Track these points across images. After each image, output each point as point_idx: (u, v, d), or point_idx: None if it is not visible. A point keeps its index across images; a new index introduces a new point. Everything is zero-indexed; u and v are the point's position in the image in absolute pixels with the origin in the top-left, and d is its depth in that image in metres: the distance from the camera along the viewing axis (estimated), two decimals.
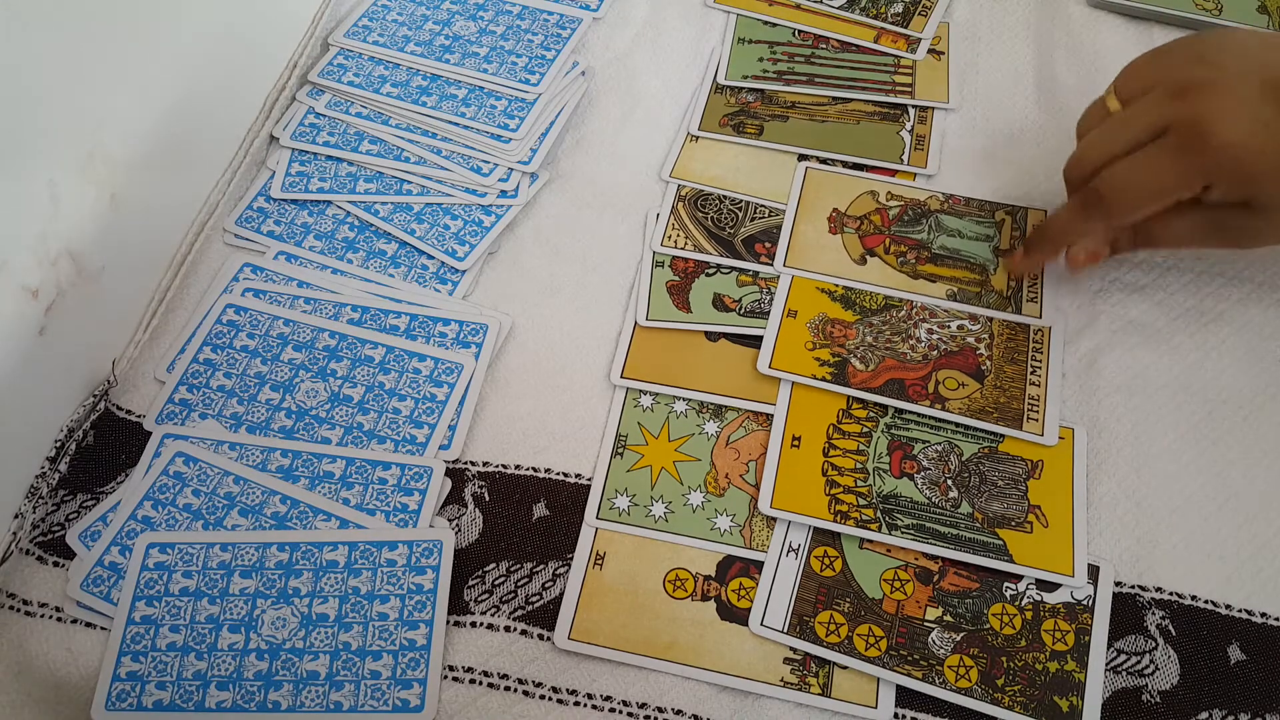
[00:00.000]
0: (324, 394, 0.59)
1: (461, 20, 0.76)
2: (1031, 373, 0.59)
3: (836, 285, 0.63)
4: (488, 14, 0.77)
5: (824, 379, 0.58)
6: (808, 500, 0.55)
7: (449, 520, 0.55)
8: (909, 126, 0.71)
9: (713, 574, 0.53)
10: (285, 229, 0.67)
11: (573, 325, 0.62)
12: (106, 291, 0.58)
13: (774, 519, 0.54)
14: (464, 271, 0.65)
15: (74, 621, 0.52)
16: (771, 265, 0.64)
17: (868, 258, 0.64)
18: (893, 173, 0.69)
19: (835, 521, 0.54)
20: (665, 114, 0.73)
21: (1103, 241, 0.59)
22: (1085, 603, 0.51)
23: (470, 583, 0.53)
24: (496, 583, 0.53)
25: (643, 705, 0.50)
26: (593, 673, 0.51)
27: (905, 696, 0.50)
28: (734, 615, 0.52)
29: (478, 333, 0.62)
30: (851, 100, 0.73)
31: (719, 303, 0.63)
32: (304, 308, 0.63)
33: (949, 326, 0.61)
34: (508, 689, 0.50)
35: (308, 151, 0.70)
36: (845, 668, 0.50)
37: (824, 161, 0.69)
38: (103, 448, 0.57)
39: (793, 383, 0.59)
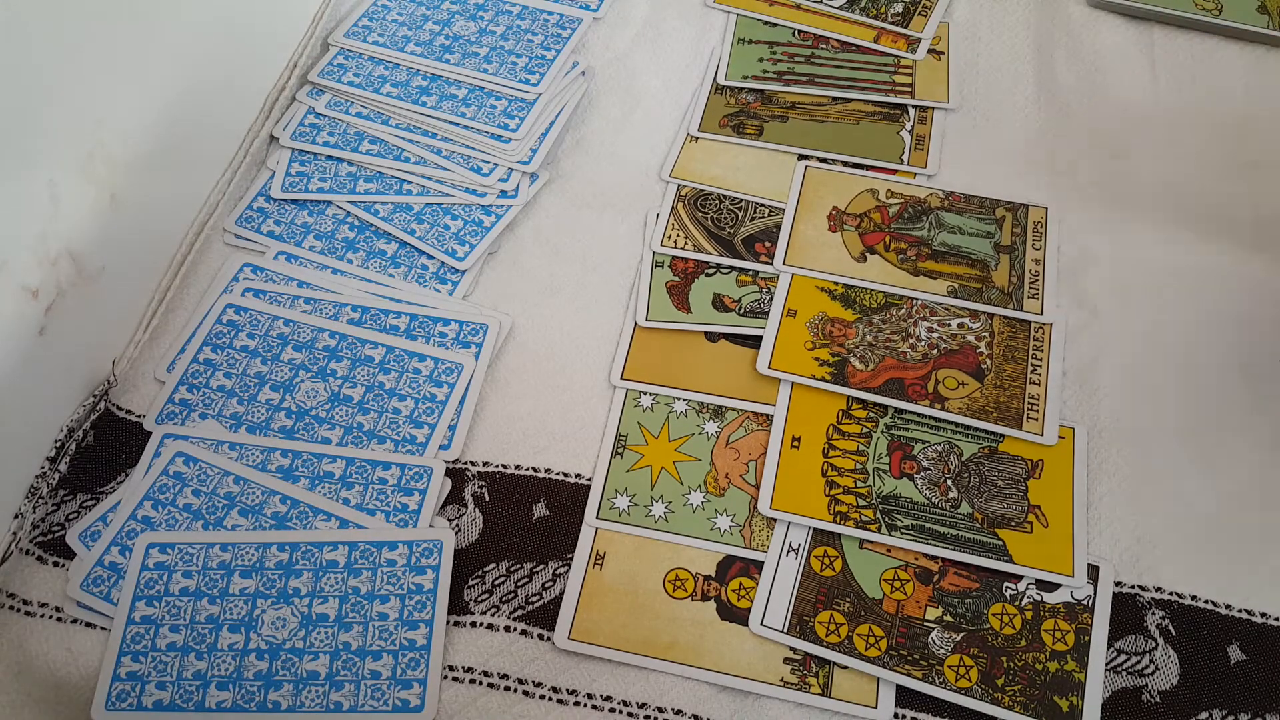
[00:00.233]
0: (324, 394, 0.59)
1: (461, 20, 0.76)
2: (1032, 371, 0.59)
3: (836, 284, 0.63)
4: (488, 14, 0.77)
5: (824, 379, 0.58)
6: (808, 501, 0.55)
7: (449, 520, 0.55)
8: (909, 126, 0.71)
9: (713, 574, 0.53)
10: (285, 229, 0.67)
11: (573, 325, 0.62)
12: (106, 291, 0.58)
13: (774, 519, 0.54)
14: (464, 271, 0.65)
15: (74, 621, 0.52)
16: (771, 265, 0.64)
17: (868, 255, 0.64)
18: (893, 172, 0.69)
19: (835, 522, 0.54)
20: (665, 114, 0.73)
21: None
22: (1085, 603, 0.51)
23: (470, 583, 0.53)
24: (496, 583, 0.53)
25: (643, 705, 0.50)
26: (593, 673, 0.51)
27: (905, 696, 0.50)
28: (734, 615, 0.52)
29: (478, 333, 0.62)
30: (851, 100, 0.73)
31: (719, 303, 0.63)
32: (304, 308, 0.63)
33: (949, 325, 0.61)
34: (508, 689, 0.50)
35: (308, 151, 0.70)
36: (845, 668, 0.50)
37: (824, 161, 0.69)
38: (103, 448, 0.57)
39: (792, 383, 0.59)
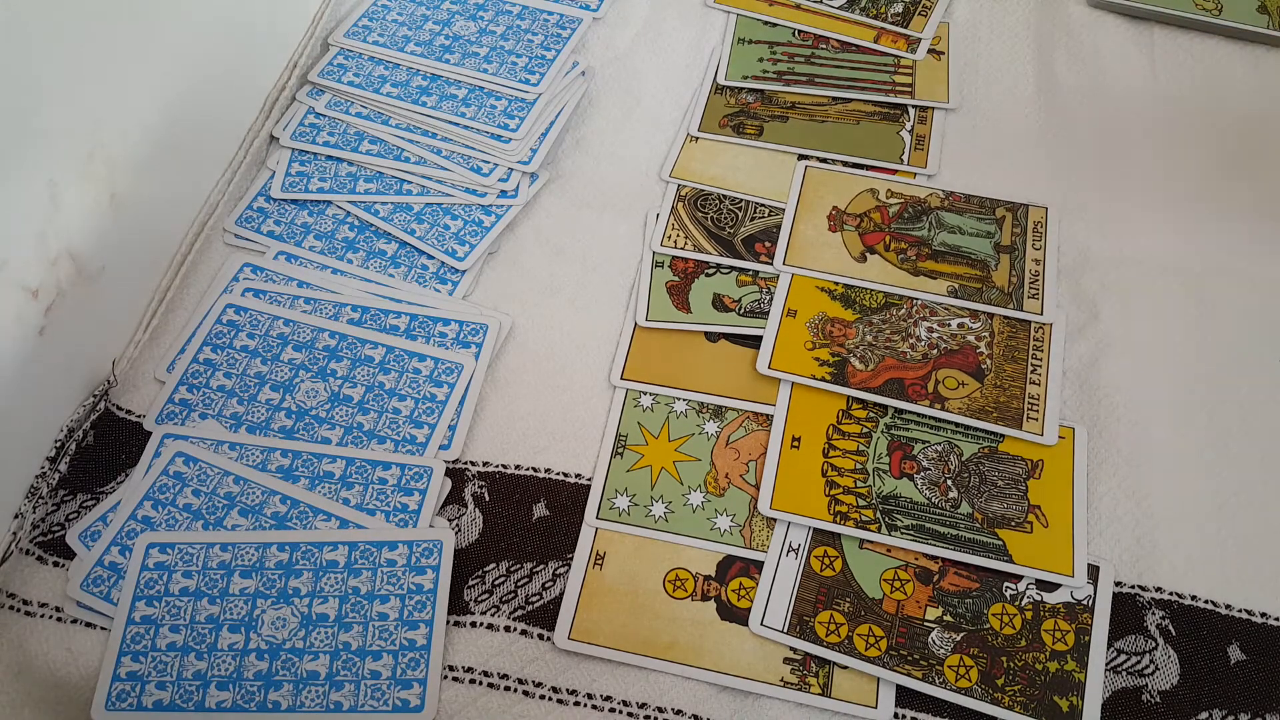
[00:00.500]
0: (324, 394, 0.59)
1: (461, 20, 0.76)
2: (1032, 371, 0.59)
3: (836, 284, 0.63)
4: (488, 14, 0.77)
5: (823, 379, 0.58)
6: (808, 501, 0.55)
7: (449, 520, 0.55)
8: (909, 126, 0.71)
9: (713, 574, 0.53)
10: (285, 229, 0.67)
11: (573, 325, 0.62)
12: (106, 291, 0.58)
13: (774, 519, 0.54)
14: (464, 271, 0.65)
15: (74, 621, 0.52)
16: (771, 265, 0.64)
17: (868, 255, 0.64)
18: (893, 172, 0.69)
19: (835, 522, 0.54)
20: (665, 114, 0.73)
21: None
22: (1085, 603, 0.51)
23: (470, 583, 0.53)
24: (496, 583, 0.53)
25: (643, 705, 0.50)
26: (593, 673, 0.51)
27: (905, 696, 0.50)
28: (734, 615, 0.52)
29: (478, 333, 0.62)
30: (851, 100, 0.73)
31: (719, 303, 0.63)
32: (304, 308, 0.63)
33: (949, 325, 0.61)
34: (508, 689, 0.50)
35: (308, 151, 0.70)
36: (845, 668, 0.50)
37: (824, 161, 0.69)
38: (103, 448, 0.57)
39: (792, 383, 0.59)
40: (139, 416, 0.59)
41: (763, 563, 0.53)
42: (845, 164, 0.69)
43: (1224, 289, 0.62)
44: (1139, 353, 0.60)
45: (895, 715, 0.49)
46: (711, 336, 0.62)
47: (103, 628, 0.51)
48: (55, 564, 0.54)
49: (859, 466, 0.56)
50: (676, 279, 0.64)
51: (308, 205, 0.68)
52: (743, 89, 0.74)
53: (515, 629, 0.52)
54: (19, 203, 0.51)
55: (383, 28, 0.76)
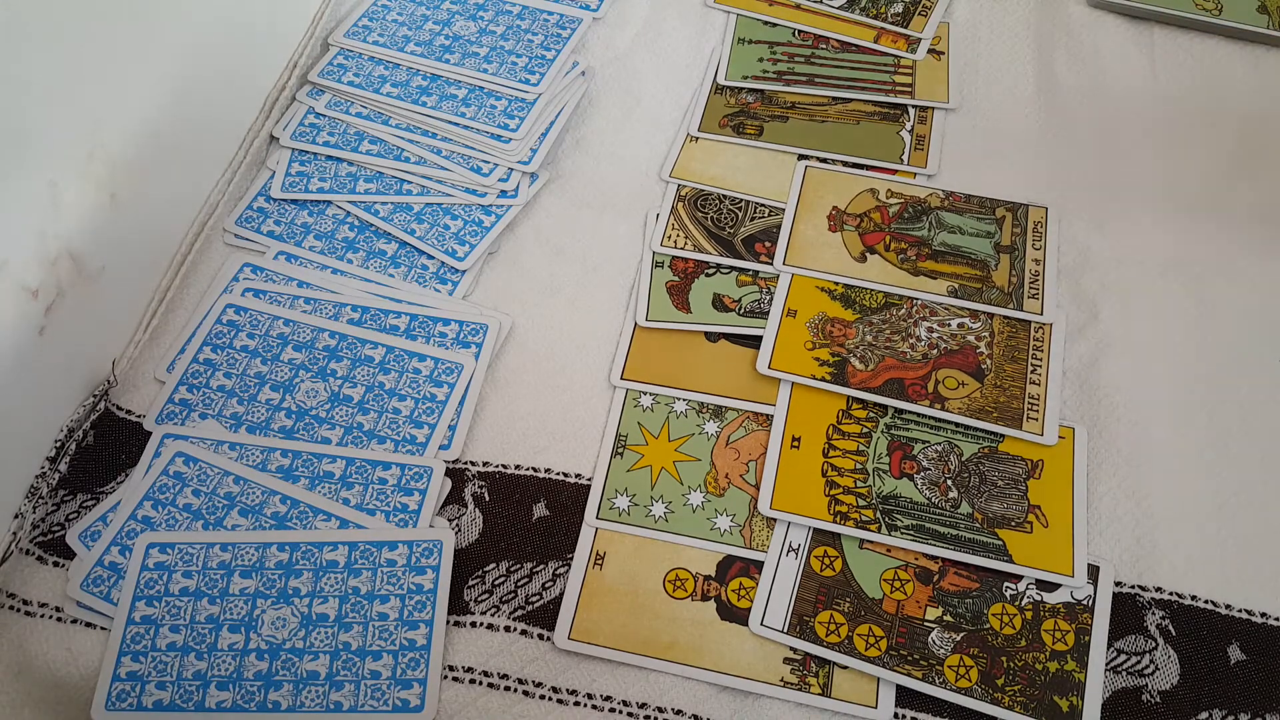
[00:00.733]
0: (324, 394, 0.59)
1: (461, 20, 0.76)
2: (1032, 371, 0.59)
3: (836, 284, 0.63)
4: (488, 14, 0.77)
5: (823, 379, 0.58)
6: (807, 501, 0.55)
7: (449, 520, 0.55)
8: (909, 126, 0.71)
9: (713, 574, 0.53)
10: (285, 229, 0.67)
11: (573, 325, 0.62)
12: (106, 291, 0.58)
13: (774, 519, 0.54)
14: (464, 271, 0.65)
15: (74, 621, 0.52)
16: (771, 265, 0.64)
17: (868, 255, 0.64)
18: (893, 172, 0.69)
19: (835, 522, 0.54)
20: (665, 114, 0.73)
21: None
22: (1085, 603, 0.51)
23: (470, 583, 0.53)
24: (496, 583, 0.53)
25: (643, 705, 0.50)
26: (593, 673, 0.51)
27: (905, 696, 0.50)
28: (734, 615, 0.52)
29: (478, 333, 0.62)
30: (851, 100, 0.73)
31: (719, 303, 0.63)
32: (304, 308, 0.63)
33: (949, 325, 0.61)
34: (508, 689, 0.50)
35: (308, 151, 0.70)
36: (845, 668, 0.50)
37: (824, 161, 0.70)
38: (103, 448, 0.57)
39: (792, 383, 0.59)
40: (139, 416, 0.59)
41: (763, 563, 0.53)
42: (845, 164, 0.69)
43: (1224, 289, 0.62)
44: (1139, 353, 0.60)
45: (895, 715, 0.49)
46: (711, 336, 0.62)
47: (103, 628, 0.51)
48: (55, 564, 0.54)
49: (859, 466, 0.56)
50: (676, 279, 0.64)
51: (308, 205, 0.68)
52: (743, 89, 0.74)
53: (515, 629, 0.52)
54: (19, 203, 0.51)
55: (383, 28, 0.76)
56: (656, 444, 0.58)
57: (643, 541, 0.54)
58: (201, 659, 0.50)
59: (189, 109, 0.63)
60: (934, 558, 0.53)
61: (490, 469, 0.57)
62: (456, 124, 0.70)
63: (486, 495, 0.56)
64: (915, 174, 0.69)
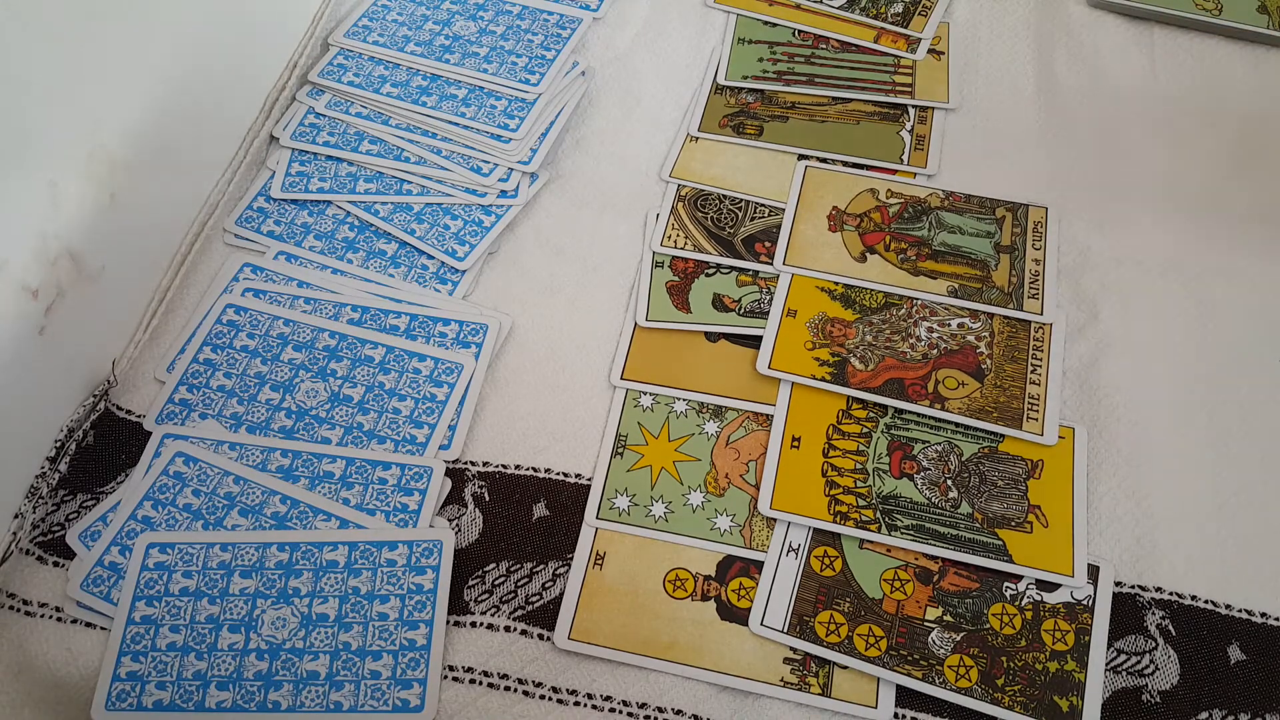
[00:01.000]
0: (324, 394, 0.59)
1: (461, 20, 0.76)
2: (1032, 371, 0.59)
3: (836, 284, 0.63)
4: (488, 14, 0.77)
5: (823, 379, 0.58)
6: (807, 501, 0.55)
7: (449, 520, 0.55)
8: (909, 126, 0.71)
9: (713, 574, 0.53)
10: (285, 229, 0.67)
11: (573, 325, 0.62)
12: (106, 291, 0.58)
13: (774, 519, 0.54)
14: (464, 271, 0.65)
15: (74, 621, 0.52)
16: (771, 265, 0.64)
17: (868, 255, 0.64)
18: (893, 172, 0.69)
19: (835, 522, 0.54)
20: (665, 114, 0.73)
21: None
22: (1085, 603, 0.51)
23: (470, 583, 0.53)
24: (496, 583, 0.53)
25: (643, 705, 0.50)
26: (593, 673, 0.51)
27: (905, 696, 0.50)
28: (734, 615, 0.52)
29: (478, 333, 0.62)
30: (851, 100, 0.73)
31: (719, 303, 0.63)
32: (304, 308, 0.63)
33: (949, 325, 0.61)
34: (508, 689, 0.50)
35: (308, 151, 0.70)
36: (845, 668, 0.50)
37: (824, 161, 0.70)
38: (103, 448, 0.57)
39: (792, 383, 0.59)
40: (139, 416, 0.59)
41: (763, 563, 0.53)
42: (845, 164, 0.69)
43: (1224, 289, 0.62)
44: (1139, 353, 0.60)
45: (895, 715, 0.49)
46: (711, 336, 0.62)
47: (103, 628, 0.51)
48: (55, 564, 0.54)
49: (859, 466, 0.56)
50: (676, 279, 0.64)
51: (308, 205, 0.68)
52: (743, 89, 0.74)
53: (515, 629, 0.52)
54: (19, 203, 0.51)
55: (383, 28, 0.76)
56: (656, 444, 0.58)
57: (643, 541, 0.54)
58: (201, 659, 0.50)
59: (189, 109, 0.63)
60: (934, 558, 0.53)
61: (490, 469, 0.57)
62: (456, 124, 0.70)
63: (486, 495, 0.56)
64: (915, 174, 0.69)
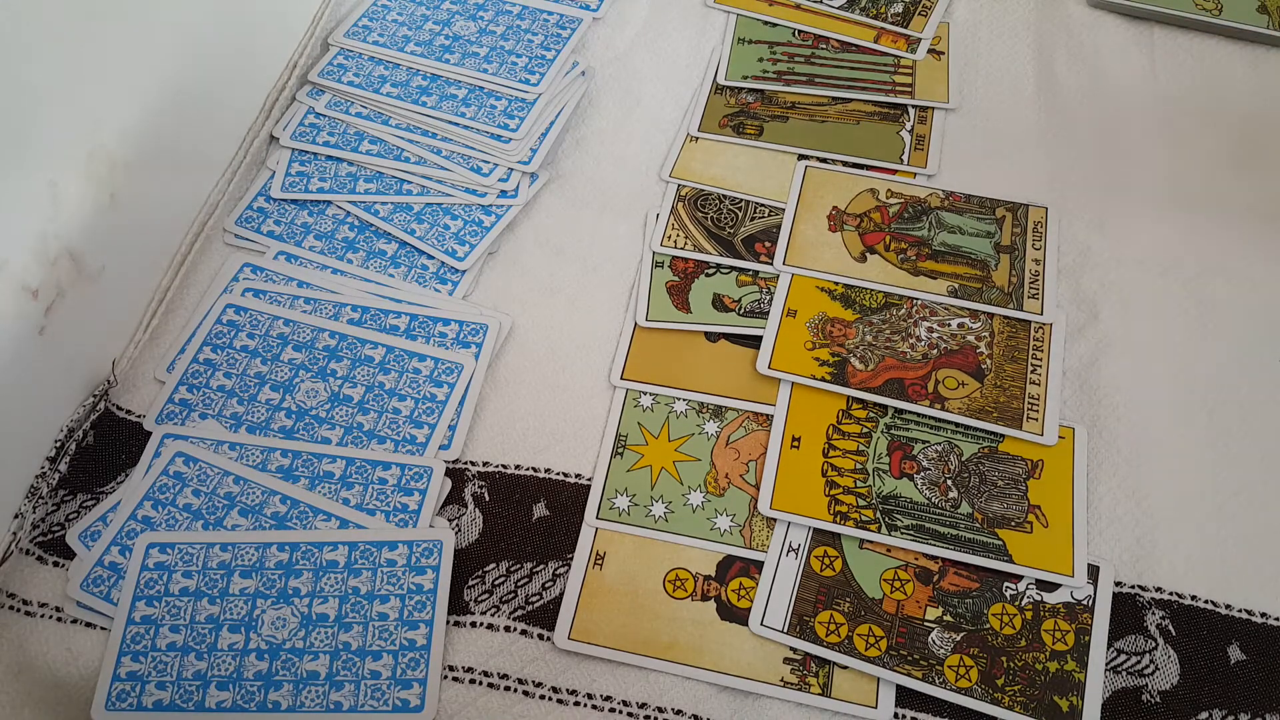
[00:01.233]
0: (324, 394, 0.59)
1: (461, 20, 0.76)
2: (1032, 371, 0.59)
3: (836, 284, 0.63)
4: (488, 14, 0.77)
5: (823, 379, 0.58)
6: (807, 501, 0.55)
7: (449, 520, 0.55)
8: (909, 126, 0.71)
9: (713, 574, 0.53)
10: (285, 229, 0.67)
11: (573, 325, 0.62)
12: (106, 291, 0.58)
13: (774, 519, 0.54)
14: (464, 271, 0.65)
15: (74, 621, 0.52)
16: (771, 265, 0.64)
17: (868, 255, 0.64)
18: (893, 172, 0.69)
19: (835, 522, 0.54)
20: (665, 114, 0.73)
21: None
22: (1085, 603, 0.51)
23: (470, 583, 0.53)
24: (496, 583, 0.53)
25: (643, 705, 0.50)
26: (593, 673, 0.51)
27: (905, 696, 0.50)
28: (734, 615, 0.52)
29: (478, 333, 0.62)
30: (851, 100, 0.73)
31: (719, 303, 0.63)
32: (304, 308, 0.63)
33: (949, 325, 0.61)
34: (508, 689, 0.50)
35: (308, 151, 0.70)
36: (845, 668, 0.50)
37: (824, 161, 0.70)
38: (103, 448, 0.57)
39: (792, 383, 0.59)
40: (139, 416, 0.59)
41: (763, 563, 0.53)
42: (845, 164, 0.69)
43: (1224, 289, 0.62)
44: (1139, 353, 0.60)
45: (895, 715, 0.49)
46: (711, 336, 0.62)
47: (103, 628, 0.51)
48: (55, 564, 0.54)
49: (859, 466, 0.56)
50: (676, 279, 0.64)
51: (308, 205, 0.68)
52: (743, 89, 0.74)
53: (515, 629, 0.52)
54: (19, 203, 0.51)
55: (383, 28, 0.76)
56: (656, 444, 0.58)
57: (643, 541, 0.54)
58: (201, 659, 0.50)
59: (189, 109, 0.63)
60: (934, 558, 0.53)
61: (490, 469, 0.57)
62: (456, 124, 0.70)
63: (486, 495, 0.56)
64: (915, 174, 0.69)
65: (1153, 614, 0.51)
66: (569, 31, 0.75)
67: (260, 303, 0.63)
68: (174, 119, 0.61)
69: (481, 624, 0.52)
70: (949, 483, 0.55)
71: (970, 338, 0.60)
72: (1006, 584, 0.52)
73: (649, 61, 0.76)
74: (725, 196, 0.68)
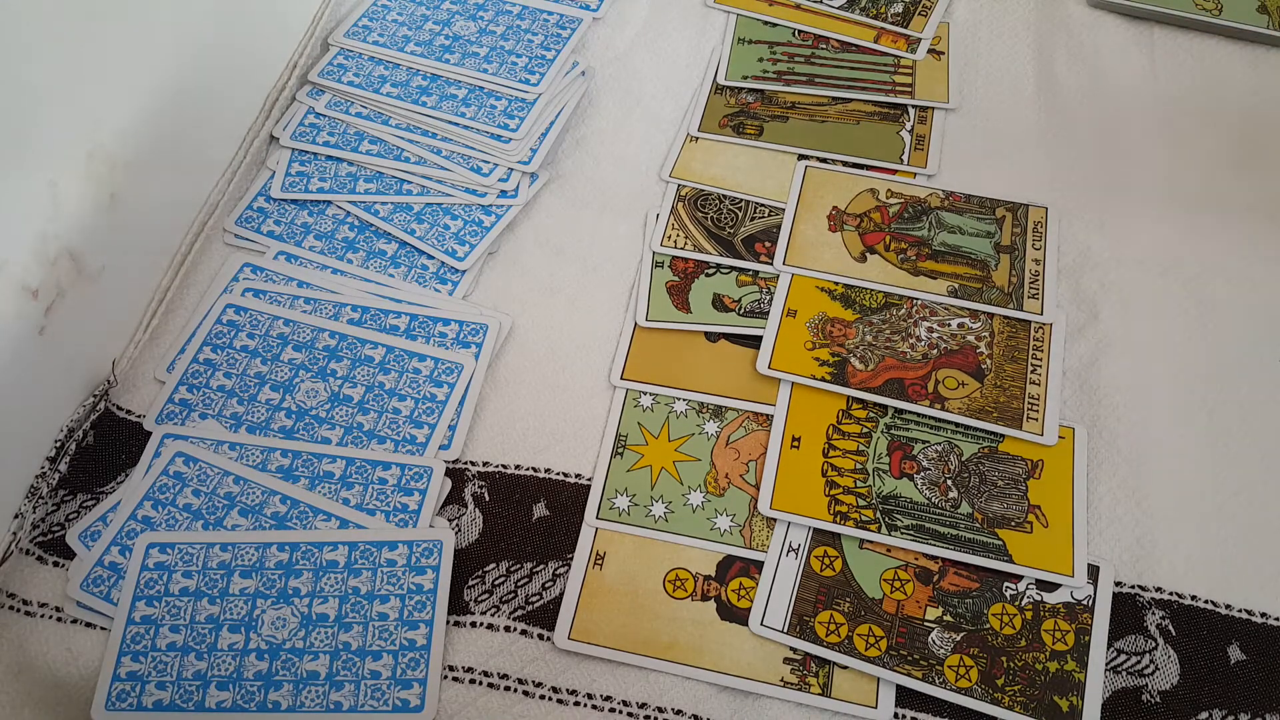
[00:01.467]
0: (324, 394, 0.59)
1: (461, 20, 0.76)
2: (1032, 371, 0.59)
3: (836, 284, 0.63)
4: (488, 14, 0.77)
5: (823, 379, 0.58)
6: (807, 501, 0.55)
7: (449, 520, 0.55)
8: (909, 126, 0.71)
9: (713, 574, 0.53)
10: (285, 229, 0.67)
11: (573, 325, 0.62)
12: (106, 291, 0.58)
13: (774, 519, 0.54)
14: (464, 271, 0.65)
15: (74, 621, 0.52)
16: (771, 265, 0.64)
17: (868, 255, 0.64)
18: (893, 172, 0.69)
19: (835, 522, 0.54)
20: (665, 114, 0.73)
21: None
22: (1085, 603, 0.51)
23: (470, 583, 0.53)
24: (496, 583, 0.53)
25: (643, 705, 0.50)
26: (593, 673, 0.51)
27: (905, 696, 0.50)
28: (734, 615, 0.52)
29: (478, 333, 0.62)
30: (851, 100, 0.73)
31: (719, 303, 0.63)
32: (304, 308, 0.63)
33: (949, 325, 0.61)
34: (508, 689, 0.50)
35: (308, 151, 0.70)
36: (845, 668, 0.50)
37: (824, 161, 0.70)
38: (103, 448, 0.57)
39: (792, 383, 0.59)
40: (139, 416, 0.59)
41: (763, 563, 0.53)
42: (845, 164, 0.69)
43: (1224, 289, 0.62)
44: (1139, 353, 0.60)
45: (895, 715, 0.49)
46: (711, 336, 0.62)
47: (103, 628, 0.51)
48: (55, 564, 0.54)
49: (859, 466, 0.56)
50: (676, 279, 0.64)
51: (308, 205, 0.68)
52: (743, 89, 0.74)
53: (515, 629, 0.52)
54: (19, 203, 0.51)
55: (383, 28, 0.76)
56: (656, 444, 0.58)
57: (643, 541, 0.54)
58: (201, 659, 0.50)
59: (189, 109, 0.63)
60: (934, 558, 0.53)
61: (490, 469, 0.57)
62: (456, 124, 0.70)
63: (486, 495, 0.56)
64: (915, 174, 0.69)
65: (1153, 614, 0.51)
66: (569, 31, 0.75)
67: (260, 303, 0.63)
68: (174, 119, 0.61)
69: (481, 624, 0.52)
70: (949, 483, 0.55)
71: (970, 338, 0.60)
72: (1006, 584, 0.52)
73: (649, 61, 0.76)
74: (725, 196, 0.68)
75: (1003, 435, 0.57)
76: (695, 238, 0.66)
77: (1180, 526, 0.54)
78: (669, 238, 0.66)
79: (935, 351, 0.60)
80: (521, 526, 0.55)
